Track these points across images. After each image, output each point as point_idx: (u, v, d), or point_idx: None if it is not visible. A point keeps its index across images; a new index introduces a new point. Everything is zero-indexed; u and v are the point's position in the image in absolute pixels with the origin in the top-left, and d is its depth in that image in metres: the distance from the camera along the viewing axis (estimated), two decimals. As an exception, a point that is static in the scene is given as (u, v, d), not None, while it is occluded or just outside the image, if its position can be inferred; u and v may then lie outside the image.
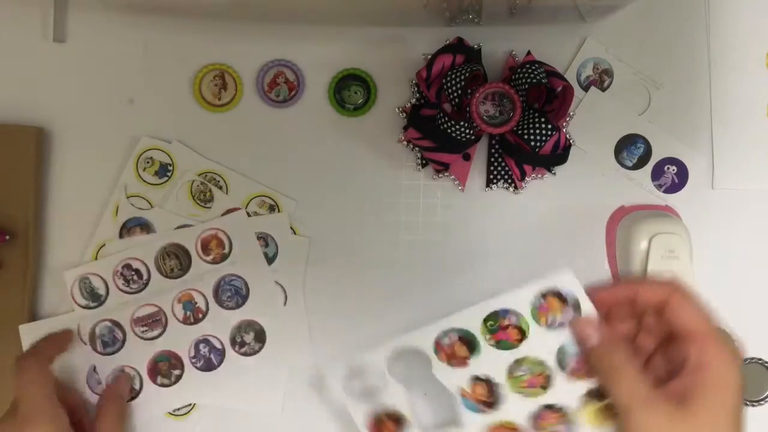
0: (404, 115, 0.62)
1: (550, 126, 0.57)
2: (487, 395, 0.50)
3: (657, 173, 0.63)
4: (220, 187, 0.62)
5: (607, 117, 0.63)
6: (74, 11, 0.63)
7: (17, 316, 0.62)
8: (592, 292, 0.49)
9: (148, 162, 0.62)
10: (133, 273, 0.62)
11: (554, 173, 0.62)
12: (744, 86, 0.63)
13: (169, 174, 0.63)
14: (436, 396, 0.54)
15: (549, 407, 0.50)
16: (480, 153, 0.62)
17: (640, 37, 0.63)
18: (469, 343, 0.51)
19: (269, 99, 0.63)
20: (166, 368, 0.62)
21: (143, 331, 0.62)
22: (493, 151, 0.62)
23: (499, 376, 0.50)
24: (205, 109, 0.63)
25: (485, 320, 0.50)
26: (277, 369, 0.62)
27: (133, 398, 0.62)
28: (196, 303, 0.62)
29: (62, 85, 0.63)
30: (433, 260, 0.63)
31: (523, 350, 0.50)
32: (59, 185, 0.63)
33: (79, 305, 0.62)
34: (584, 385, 0.49)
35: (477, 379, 0.50)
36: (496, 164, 0.62)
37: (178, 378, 0.62)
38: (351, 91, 0.63)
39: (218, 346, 0.62)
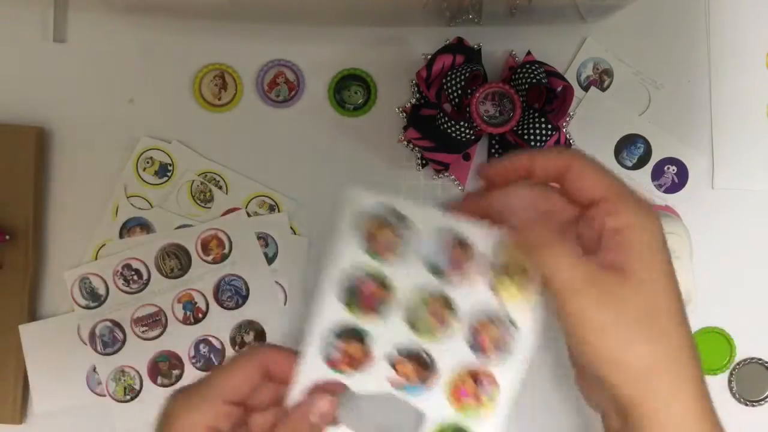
0: (404, 115, 0.62)
1: (550, 126, 0.57)
2: (417, 366, 0.41)
3: (657, 173, 0.63)
4: (220, 187, 0.62)
5: (607, 117, 0.63)
6: (74, 11, 0.63)
7: (17, 316, 0.61)
8: (483, 170, 0.42)
9: (148, 162, 0.62)
10: (133, 273, 0.62)
11: (554, 173, 0.62)
12: (744, 86, 0.63)
13: (169, 174, 0.63)
14: (384, 412, 0.43)
15: (478, 326, 0.41)
16: (480, 153, 0.62)
17: (640, 37, 0.63)
18: (353, 336, 0.41)
19: (269, 99, 0.63)
20: (166, 368, 0.62)
21: (143, 331, 0.62)
22: (493, 151, 0.62)
23: (408, 338, 0.41)
24: (205, 109, 0.63)
25: (345, 303, 0.41)
26: None
27: (132, 398, 0.62)
28: (196, 303, 0.62)
29: (62, 85, 0.63)
30: (433, 260, 0.63)
31: (400, 298, 0.41)
32: (59, 185, 0.63)
33: (79, 305, 0.62)
34: (478, 274, 0.41)
35: (395, 363, 0.41)
36: (496, 164, 0.62)
37: (179, 378, 0.62)
38: (351, 91, 0.63)
39: (218, 346, 0.62)
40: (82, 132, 0.63)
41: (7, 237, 0.60)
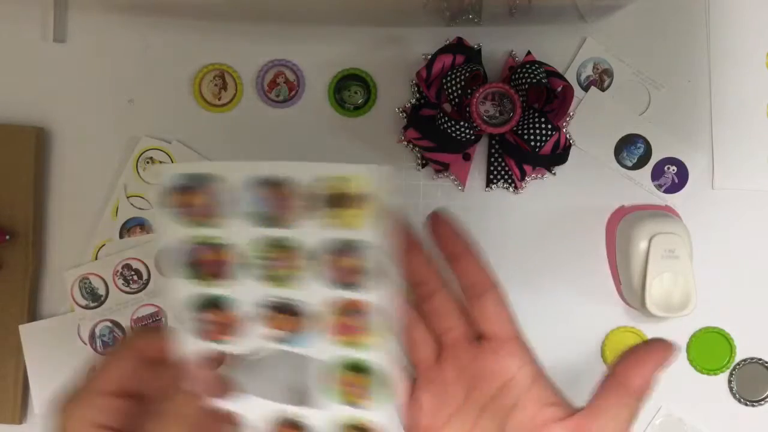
0: (404, 115, 0.62)
1: (550, 126, 0.57)
2: (288, 316, 0.39)
3: (657, 173, 0.63)
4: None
5: (607, 117, 0.63)
6: (74, 11, 0.63)
7: (17, 316, 0.61)
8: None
9: (148, 162, 0.62)
10: (133, 273, 0.62)
11: (554, 173, 0.62)
12: (744, 86, 0.63)
13: None
14: (285, 369, 0.41)
15: (329, 260, 0.37)
16: (480, 153, 0.62)
17: (640, 37, 0.63)
18: (214, 305, 0.39)
19: (269, 99, 0.63)
20: None
21: (143, 331, 0.62)
22: (493, 151, 0.62)
23: (265, 292, 0.39)
24: (205, 109, 0.63)
25: (192, 277, 0.39)
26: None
27: None
28: (196, 303, 0.62)
29: (62, 85, 0.63)
30: (433, 260, 0.63)
31: (241, 256, 0.38)
32: (59, 185, 0.63)
33: (79, 305, 0.62)
34: (308, 209, 0.37)
35: (264, 320, 0.39)
36: (496, 164, 0.62)
37: (178, 378, 0.62)
38: (351, 91, 0.63)
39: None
40: (82, 132, 0.63)
41: (7, 237, 0.61)
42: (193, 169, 0.38)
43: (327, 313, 0.38)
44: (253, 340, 0.39)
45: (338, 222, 0.37)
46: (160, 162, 0.62)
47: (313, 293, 0.38)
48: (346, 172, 0.36)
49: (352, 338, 0.39)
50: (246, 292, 0.39)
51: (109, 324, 0.62)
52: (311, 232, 0.37)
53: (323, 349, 0.39)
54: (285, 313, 0.39)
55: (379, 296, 0.37)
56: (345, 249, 0.37)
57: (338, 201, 0.36)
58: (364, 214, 0.36)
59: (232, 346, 0.39)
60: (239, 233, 0.38)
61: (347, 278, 0.38)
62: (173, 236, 0.39)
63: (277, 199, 0.37)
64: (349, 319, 0.38)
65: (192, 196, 0.38)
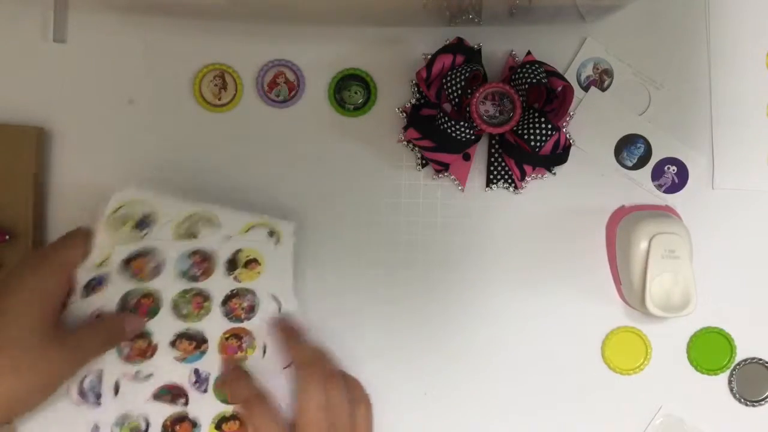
0: (404, 115, 0.62)
1: (550, 126, 0.57)
2: (192, 342, 0.57)
3: (657, 173, 0.63)
4: (214, 225, 0.58)
5: (607, 117, 0.63)
6: (74, 11, 0.63)
7: (17, 316, 0.61)
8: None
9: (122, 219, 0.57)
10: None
11: (554, 173, 0.62)
12: (744, 86, 0.63)
13: (150, 225, 0.57)
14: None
15: (229, 302, 0.58)
16: (480, 153, 0.62)
17: (640, 37, 0.63)
18: (138, 336, 0.57)
19: (269, 99, 0.63)
20: (169, 400, 0.57)
21: (136, 372, 0.57)
22: (493, 151, 0.62)
23: (179, 325, 0.57)
24: (205, 109, 0.63)
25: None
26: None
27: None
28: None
29: (62, 85, 0.63)
30: (433, 260, 0.63)
31: (166, 301, 0.57)
32: (59, 185, 0.63)
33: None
34: (219, 269, 0.58)
35: (175, 345, 0.57)
36: (496, 164, 0.62)
37: (185, 405, 0.58)
38: (351, 91, 0.63)
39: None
40: (82, 132, 0.63)
41: (7, 237, 0.61)
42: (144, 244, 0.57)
43: (220, 338, 0.58)
44: (163, 361, 0.57)
45: (240, 276, 0.58)
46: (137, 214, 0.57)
47: (212, 324, 0.58)
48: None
49: (237, 357, 0.58)
50: (163, 326, 0.57)
51: (93, 378, 0.58)
52: (221, 284, 0.58)
53: (213, 364, 0.58)
54: (189, 340, 0.58)
55: (256, 324, 0.58)
56: (241, 294, 0.58)
57: (241, 263, 0.58)
58: (255, 273, 0.58)
59: (146, 366, 0.57)
60: (169, 285, 0.57)
61: (238, 313, 0.58)
62: (120, 288, 0.56)
63: (200, 263, 0.58)
64: (236, 342, 0.58)
65: (143, 260, 0.57)
